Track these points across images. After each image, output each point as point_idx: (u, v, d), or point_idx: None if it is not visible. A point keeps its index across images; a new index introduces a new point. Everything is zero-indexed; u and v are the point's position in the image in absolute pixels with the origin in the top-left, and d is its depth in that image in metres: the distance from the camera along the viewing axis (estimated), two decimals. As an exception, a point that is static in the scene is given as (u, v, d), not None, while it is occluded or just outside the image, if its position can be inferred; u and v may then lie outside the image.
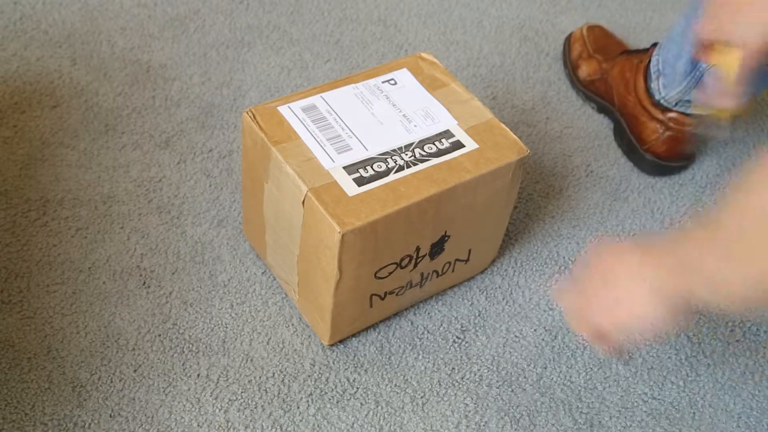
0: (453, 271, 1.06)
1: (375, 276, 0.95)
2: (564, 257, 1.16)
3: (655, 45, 1.28)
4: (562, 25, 1.50)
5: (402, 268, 0.97)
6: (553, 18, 1.51)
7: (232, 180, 1.18)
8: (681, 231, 0.75)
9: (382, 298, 1.00)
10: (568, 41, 1.43)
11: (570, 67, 1.41)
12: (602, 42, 1.40)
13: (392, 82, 1.04)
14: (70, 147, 1.19)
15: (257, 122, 0.96)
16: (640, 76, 1.27)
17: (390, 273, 0.96)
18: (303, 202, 0.91)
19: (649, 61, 1.26)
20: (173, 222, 1.13)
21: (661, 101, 1.23)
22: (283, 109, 0.98)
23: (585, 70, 1.38)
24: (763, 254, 0.67)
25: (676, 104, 1.22)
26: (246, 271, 1.09)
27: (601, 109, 1.37)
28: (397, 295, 1.01)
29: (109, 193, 1.15)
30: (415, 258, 0.98)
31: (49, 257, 1.07)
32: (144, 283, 1.06)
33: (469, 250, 1.05)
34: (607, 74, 1.34)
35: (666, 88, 1.22)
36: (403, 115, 1.00)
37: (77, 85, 1.28)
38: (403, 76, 1.05)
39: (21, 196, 1.13)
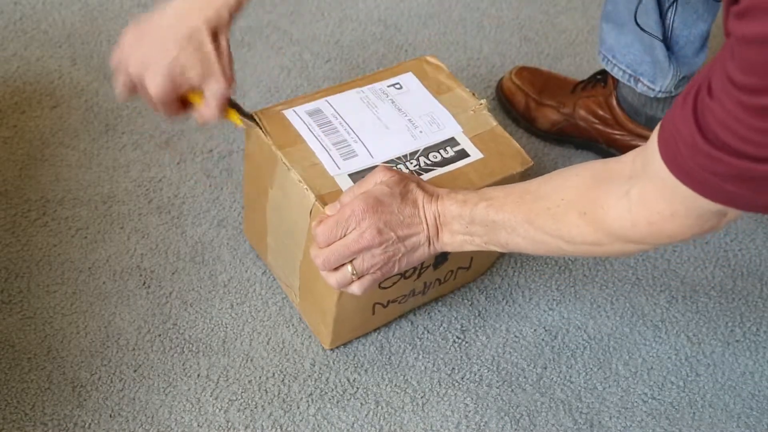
0: (455, 278, 1.05)
1: (379, 286, 0.95)
2: (564, 257, 1.16)
3: (601, 73, 1.25)
4: (562, 26, 1.50)
5: (406, 278, 0.97)
6: (553, 18, 1.51)
7: (232, 180, 1.18)
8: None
9: (385, 306, 1.00)
10: (503, 96, 1.32)
11: (524, 121, 1.30)
12: (539, 82, 1.31)
13: (398, 86, 1.03)
14: (70, 147, 1.19)
15: (263, 126, 0.95)
16: (616, 109, 1.23)
17: (394, 283, 0.96)
18: (311, 211, 0.89)
19: (616, 88, 1.22)
20: (173, 222, 1.13)
21: (658, 98, 1.19)
22: (289, 113, 0.97)
23: (545, 121, 1.28)
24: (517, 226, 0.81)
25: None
26: (246, 271, 1.09)
27: (582, 146, 1.29)
28: (399, 303, 1.01)
29: (109, 193, 1.15)
30: (419, 268, 0.97)
31: (49, 257, 1.07)
32: (144, 283, 1.06)
33: (471, 258, 1.04)
34: (572, 118, 1.26)
35: (654, 82, 1.17)
36: (409, 120, 0.99)
37: (77, 85, 1.28)
38: (409, 80, 1.04)
39: (21, 196, 1.13)
